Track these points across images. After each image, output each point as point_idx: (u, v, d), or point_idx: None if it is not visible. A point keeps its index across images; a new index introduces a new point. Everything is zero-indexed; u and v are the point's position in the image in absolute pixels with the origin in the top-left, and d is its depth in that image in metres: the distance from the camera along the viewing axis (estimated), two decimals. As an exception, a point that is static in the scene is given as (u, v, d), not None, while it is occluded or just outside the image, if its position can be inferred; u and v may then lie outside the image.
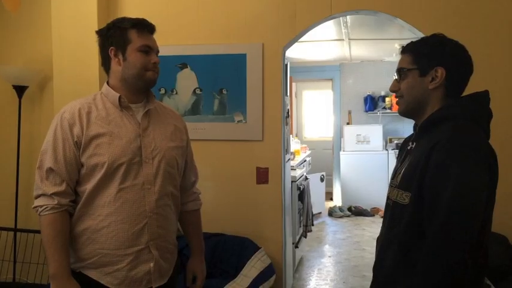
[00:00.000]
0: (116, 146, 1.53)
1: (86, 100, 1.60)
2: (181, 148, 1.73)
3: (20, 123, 3.28)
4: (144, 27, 1.60)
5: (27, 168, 3.39)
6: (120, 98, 1.58)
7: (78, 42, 3.12)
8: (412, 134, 1.47)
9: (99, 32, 1.63)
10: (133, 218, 1.54)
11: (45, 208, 1.50)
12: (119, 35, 1.57)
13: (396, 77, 1.41)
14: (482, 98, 1.35)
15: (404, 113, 1.42)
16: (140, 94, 1.64)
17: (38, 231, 3.20)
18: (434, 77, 1.33)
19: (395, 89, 1.41)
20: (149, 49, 1.59)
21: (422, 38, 1.40)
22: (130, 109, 1.61)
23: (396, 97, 1.43)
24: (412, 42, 1.41)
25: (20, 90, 3.24)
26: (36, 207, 1.53)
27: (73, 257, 1.55)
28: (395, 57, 5.78)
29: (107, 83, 1.64)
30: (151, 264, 1.58)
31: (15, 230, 3.27)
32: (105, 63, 1.63)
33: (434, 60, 1.32)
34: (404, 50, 1.41)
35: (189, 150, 1.83)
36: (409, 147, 1.41)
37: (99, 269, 1.53)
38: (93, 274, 1.54)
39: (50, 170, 1.52)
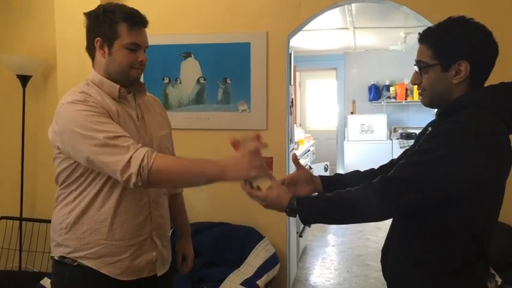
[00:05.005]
0: None
1: (82, 94, 1.48)
2: (169, 136, 1.72)
3: (24, 112, 3.28)
4: (136, 22, 1.49)
5: (32, 157, 3.40)
6: (119, 89, 1.52)
7: (82, 31, 3.10)
8: (434, 120, 1.44)
9: (88, 16, 1.52)
10: (137, 209, 1.53)
11: (147, 155, 1.33)
12: (107, 27, 1.47)
13: (417, 69, 1.33)
14: (507, 89, 1.28)
15: (429, 105, 1.36)
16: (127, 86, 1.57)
17: (43, 220, 3.25)
18: (458, 71, 1.26)
19: (417, 82, 1.34)
20: (137, 47, 1.49)
21: (441, 27, 1.30)
22: (127, 100, 1.56)
23: (418, 89, 1.36)
24: (430, 30, 1.32)
25: (23, 79, 3.24)
26: (140, 167, 1.31)
27: (71, 247, 1.51)
28: (400, 46, 5.73)
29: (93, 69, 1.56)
30: (154, 254, 1.58)
31: (21, 219, 3.29)
32: (90, 50, 1.54)
33: (456, 54, 1.26)
34: (423, 39, 1.32)
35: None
36: (427, 132, 1.38)
37: (100, 259, 1.50)
38: (92, 264, 1.50)
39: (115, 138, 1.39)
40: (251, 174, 1.36)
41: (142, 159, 1.32)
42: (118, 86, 1.52)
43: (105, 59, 1.50)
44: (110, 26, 1.46)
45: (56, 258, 1.55)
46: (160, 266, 1.61)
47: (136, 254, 1.54)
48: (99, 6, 1.54)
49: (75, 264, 1.51)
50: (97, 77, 1.53)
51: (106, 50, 1.49)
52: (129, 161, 1.32)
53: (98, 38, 1.48)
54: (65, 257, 1.52)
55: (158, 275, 1.60)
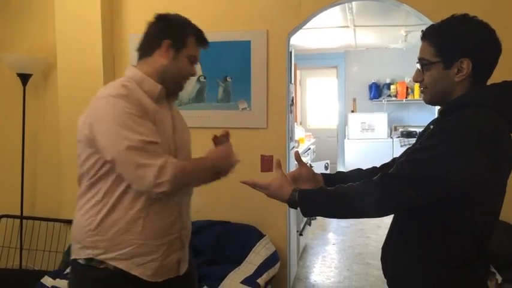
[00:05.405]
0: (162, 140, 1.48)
1: (124, 88, 1.47)
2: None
3: (25, 111, 3.28)
4: (202, 40, 1.60)
5: (32, 155, 3.40)
6: (161, 89, 1.53)
7: (82, 30, 3.11)
8: (436, 118, 1.43)
9: (162, 17, 1.58)
10: (169, 207, 1.53)
11: (173, 164, 1.40)
12: (179, 34, 1.55)
13: (419, 67, 1.33)
14: (510, 88, 1.28)
15: (430, 103, 1.36)
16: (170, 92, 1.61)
17: (44, 219, 3.25)
18: (460, 69, 1.26)
19: (419, 79, 1.34)
20: (195, 61, 1.60)
21: (444, 25, 1.30)
22: (163, 101, 1.57)
23: (420, 87, 1.36)
24: (433, 28, 1.32)
25: (24, 78, 3.24)
26: (173, 175, 1.37)
27: (100, 248, 1.47)
28: (400, 44, 5.72)
29: (134, 67, 1.56)
30: (181, 253, 1.59)
31: (21, 217, 3.30)
32: (148, 47, 1.56)
33: (458, 52, 1.25)
34: (426, 37, 1.32)
35: None
36: (429, 130, 1.38)
37: (131, 260, 1.47)
38: (123, 265, 1.47)
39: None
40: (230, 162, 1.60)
41: (173, 168, 1.37)
42: (160, 85, 1.53)
43: (167, 61, 1.54)
44: (182, 34, 1.55)
45: (80, 261, 1.51)
46: (183, 266, 1.62)
47: (167, 254, 1.53)
48: (168, 13, 1.60)
49: (101, 267, 1.48)
50: (138, 74, 1.54)
51: (171, 53, 1.54)
52: (161, 168, 1.35)
53: (168, 40, 1.53)
54: (93, 259, 1.48)
55: (181, 273, 1.61)
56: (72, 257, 1.55)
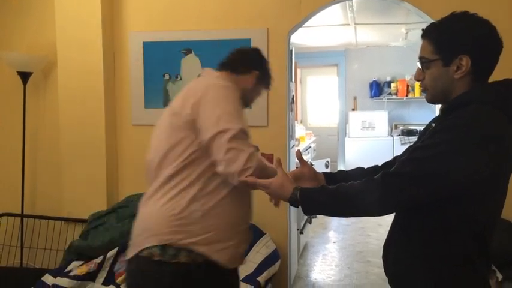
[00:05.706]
0: None
1: (227, 82, 1.67)
2: None
3: (25, 109, 3.28)
4: (269, 85, 1.87)
5: (33, 154, 3.40)
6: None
7: (82, 29, 3.11)
8: (438, 115, 1.43)
9: (257, 50, 1.85)
10: (246, 199, 1.62)
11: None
12: (264, 72, 1.81)
13: (420, 66, 1.33)
14: (510, 85, 1.27)
15: (432, 101, 1.36)
16: None
17: (44, 217, 3.26)
18: (459, 66, 1.25)
19: (420, 78, 1.34)
20: (259, 96, 1.85)
21: (443, 22, 1.30)
22: None
23: (421, 86, 1.36)
24: (433, 25, 1.32)
25: (24, 76, 3.24)
26: (257, 164, 1.47)
27: (182, 233, 1.50)
28: (401, 42, 5.72)
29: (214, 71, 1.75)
30: (246, 245, 1.67)
31: (22, 215, 3.30)
32: (237, 66, 1.77)
33: (457, 49, 1.25)
34: (425, 35, 1.32)
35: None
36: (431, 128, 1.36)
37: (211, 246, 1.52)
38: (204, 250, 1.51)
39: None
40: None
41: (257, 159, 1.47)
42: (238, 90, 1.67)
43: (250, 86, 1.76)
44: (265, 74, 1.83)
45: (154, 250, 1.50)
46: (244, 257, 1.71)
47: (239, 242, 1.60)
48: (260, 50, 1.88)
49: (173, 261, 1.49)
50: (221, 77, 1.72)
51: (255, 82, 1.78)
52: (251, 155, 1.45)
53: (257, 72, 1.77)
54: (167, 249, 1.49)
55: (242, 264, 1.71)
56: (143, 246, 1.52)
